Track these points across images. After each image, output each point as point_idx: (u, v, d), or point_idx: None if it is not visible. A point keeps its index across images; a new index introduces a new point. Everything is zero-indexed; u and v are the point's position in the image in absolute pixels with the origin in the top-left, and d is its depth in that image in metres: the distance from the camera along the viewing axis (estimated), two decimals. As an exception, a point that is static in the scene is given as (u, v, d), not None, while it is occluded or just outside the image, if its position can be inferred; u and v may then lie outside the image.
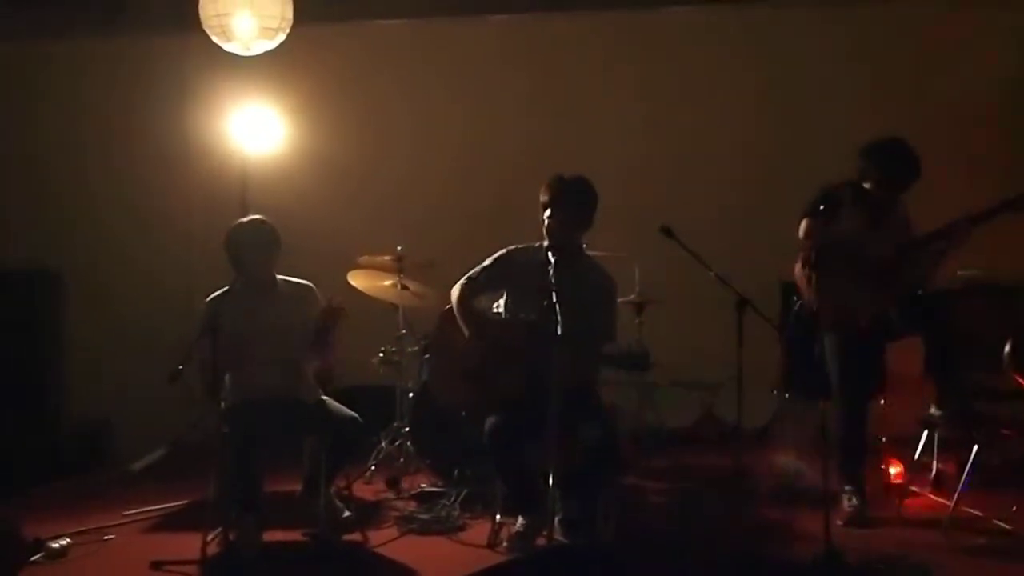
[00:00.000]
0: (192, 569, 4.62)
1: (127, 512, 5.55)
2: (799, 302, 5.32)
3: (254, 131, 6.98)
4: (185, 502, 5.70)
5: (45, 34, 7.65)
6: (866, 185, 5.12)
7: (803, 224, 5.14)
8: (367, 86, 7.63)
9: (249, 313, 4.95)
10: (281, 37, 5.77)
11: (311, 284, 5.20)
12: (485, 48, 7.63)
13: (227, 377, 4.98)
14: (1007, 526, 4.84)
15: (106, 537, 5.17)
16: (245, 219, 5.12)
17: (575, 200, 4.85)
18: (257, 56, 5.88)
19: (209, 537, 4.69)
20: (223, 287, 4.91)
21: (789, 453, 5.86)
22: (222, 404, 4.84)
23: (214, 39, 5.72)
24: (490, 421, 4.74)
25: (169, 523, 5.50)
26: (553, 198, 4.83)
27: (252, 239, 4.99)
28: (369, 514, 5.42)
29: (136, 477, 6.15)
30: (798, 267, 5.14)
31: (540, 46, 7.63)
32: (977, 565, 4.48)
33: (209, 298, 4.99)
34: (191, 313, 5.11)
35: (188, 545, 4.74)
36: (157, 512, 5.61)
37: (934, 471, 5.46)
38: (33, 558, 4.71)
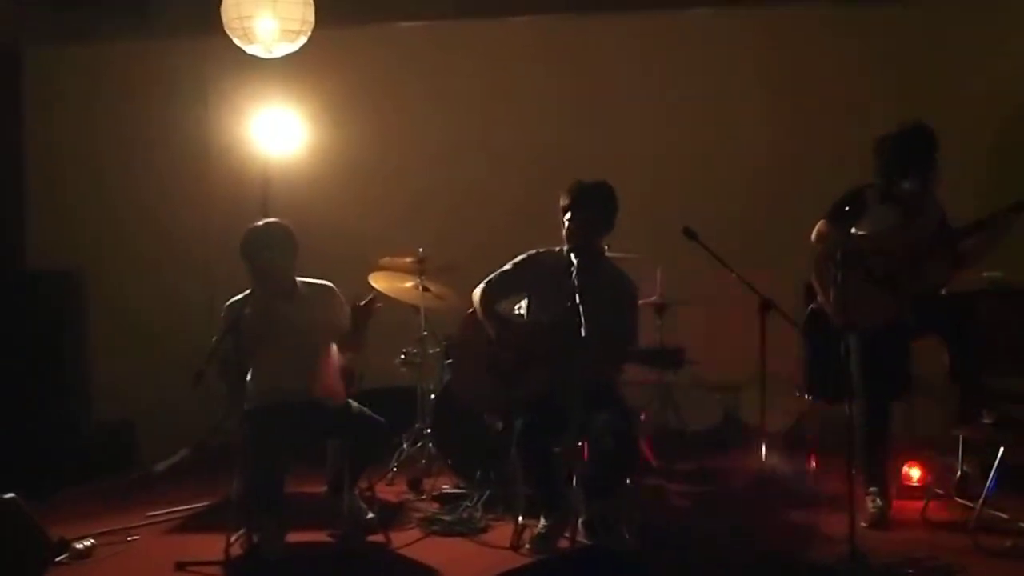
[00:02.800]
0: (216, 570, 4.63)
1: (151, 513, 5.56)
2: (812, 304, 5.31)
3: (275, 134, 6.99)
4: (208, 503, 5.70)
5: (68, 37, 7.69)
6: (891, 181, 5.08)
7: (818, 226, 5.13)
8: (389, 89, 7.64)
9: (270, 316, 4.95)
10: (303, 40, 5.79)
11: (331, 284, 5.19)
12: (508, 51, 7.62)
13: (249, 379, 4.99)
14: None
15: (130, 538, 5.18)
16: (260, 223, 5.09)
17: (594, 204, 4.89)
18: (279, 59, 5.90)
19: (232, 538, 4.72)
20: (245, 290, 4.94)
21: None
22: (245, 406, 4.85)
23: (236, 42, 5.75)
24: (520, 422, 4.75)
25: (192, 524, 5.50)
26: (573, 202, 4.87)
27: (268, 242, 4.97)
28: (392, 515, 5.42)
29: (159, 478, 6.16)
30: (813, 269, 5.15)
31: (564, 49, 7.62)
32: (1003, 567, 4.45)
33: (230, 301, 4.99)
34: (213, 315, 5.11)
35: (212, 546, 4.76)
36: (180, 513, 5.62)
37: (958, 474, 5.43)
38: (58, 558, 4.71)
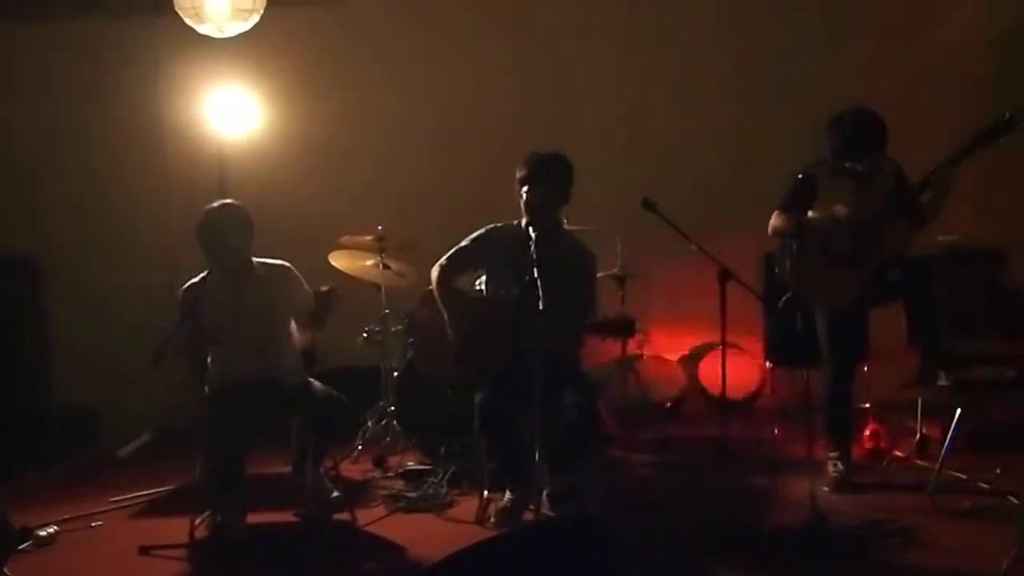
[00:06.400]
0: (180, 553, 4.63)
1: (114, 498, 5.55)
2: (787, 295, 5.30)
3: (230, 114, 6.93)
4: (172, 487, 5.69)
5: (16, 16, 7.58)
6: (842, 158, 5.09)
7: (772, 219, 5.15)
8: (345, 66, 7.58)
9: (227, 298, 4.89)
10: (255, 18, 5.73)
11: (288, 264, 5.15)
12: (465, 25, 7.59)
13: (210, 362, 4.96)
14: (990, 487, 4.87)
15: (94, 523, 5.17)
16: (215, 204, 5.02)
17: (551, 175, 4.88)
18: (231, 38, 5.85)
19: (197, 521, 4.72)
20: (202, 272, 4.89)
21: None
22: (206, 389, 4.82)
23: (187, 21, 5.68)
24: (480, 396, 4.76)
25: (156, 508, 5.50)
26: (529, 174, 4.86)
27: (223, 224, 4.89)
28: (357, 493, 5.42)
29: (122, 463, 6.13)
30: (777, 263, 5.18)
31: (520, 22, 7.59)
32: (961, 527, 4.50)
33: (186, 285, 4.92)
34: (173, 298, 5.07)
35: (176, 529, 4.77)
36: (144, 497, 5.60)
37: (917, 436, 5.50)
38: (21, 546, 4.67)
